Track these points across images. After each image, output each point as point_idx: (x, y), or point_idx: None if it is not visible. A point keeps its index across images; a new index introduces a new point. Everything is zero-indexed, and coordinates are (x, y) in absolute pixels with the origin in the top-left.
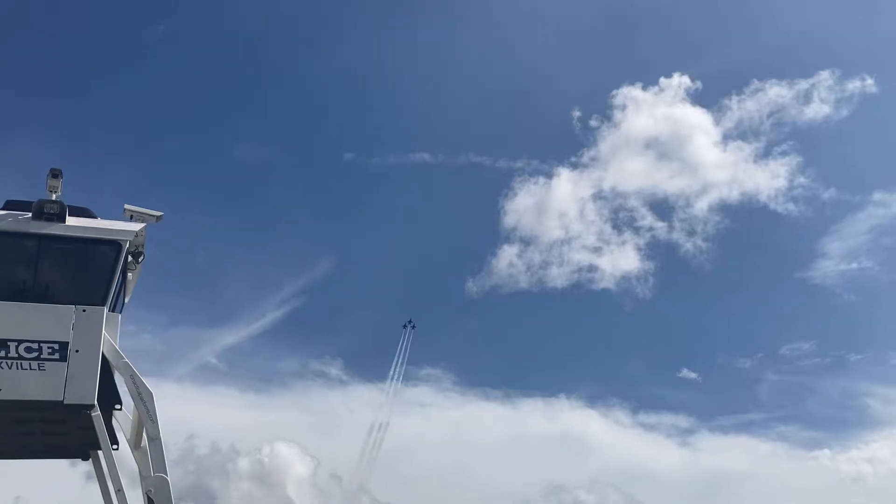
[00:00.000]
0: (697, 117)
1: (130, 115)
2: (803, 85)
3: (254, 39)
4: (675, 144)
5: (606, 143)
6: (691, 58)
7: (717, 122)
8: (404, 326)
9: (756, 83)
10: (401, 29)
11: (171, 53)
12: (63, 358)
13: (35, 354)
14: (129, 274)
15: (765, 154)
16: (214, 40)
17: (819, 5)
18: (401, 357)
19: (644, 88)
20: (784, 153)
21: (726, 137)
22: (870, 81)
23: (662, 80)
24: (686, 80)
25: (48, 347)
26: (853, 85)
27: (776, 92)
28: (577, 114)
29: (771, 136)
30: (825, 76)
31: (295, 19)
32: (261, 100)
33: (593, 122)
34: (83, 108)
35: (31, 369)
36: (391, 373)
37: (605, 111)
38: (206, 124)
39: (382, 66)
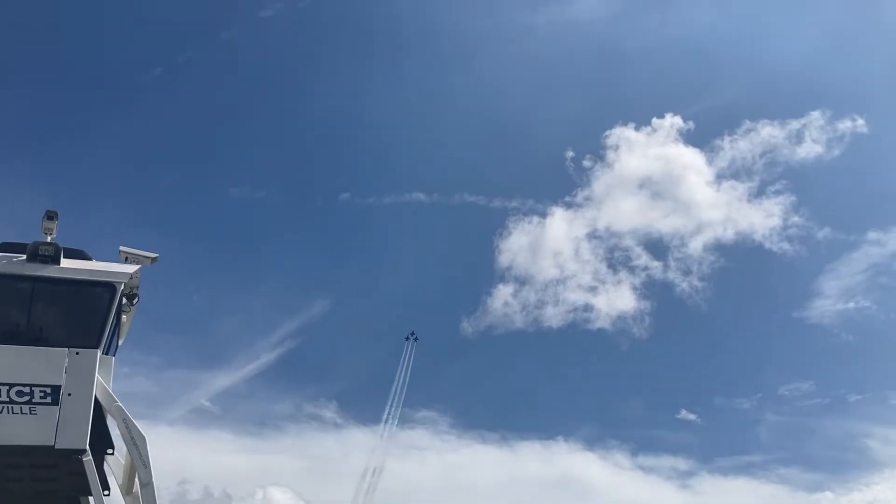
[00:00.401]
0: (690, 157)
1: (126, 157)
2: (795, 125)
3: (249, 82)
4: (669, 184)
5: (600, 182)
6: (683, 99)
7: (709, 161)
8: (406, 339)
9: (748, 123)
10: (393, 70)
11: (168, 95)
12: (55, 402)
13: (26, 398)
14: (124, 316)
15: (758, 193)
16: (210, 83)
17: (808, 47)
18: (401, 378)
19: (637, 129)
20: (777, 192)
21: (719, 177)
22: (860, 122)
23: (655, 120)
24: (678, 120)
25: (40, 391)
26: (844, 125)
27: (768, 132)
28: (570, 154)
29: (764, 176)
30: (816, 116)
31: (288, 63)
32: (255, 141)
33: (587, 163)
34: (79, 150)
35: (21, 413)
36: (385, 416)
37: (599, 151)
38: (202, 165)
39: (377, 107)
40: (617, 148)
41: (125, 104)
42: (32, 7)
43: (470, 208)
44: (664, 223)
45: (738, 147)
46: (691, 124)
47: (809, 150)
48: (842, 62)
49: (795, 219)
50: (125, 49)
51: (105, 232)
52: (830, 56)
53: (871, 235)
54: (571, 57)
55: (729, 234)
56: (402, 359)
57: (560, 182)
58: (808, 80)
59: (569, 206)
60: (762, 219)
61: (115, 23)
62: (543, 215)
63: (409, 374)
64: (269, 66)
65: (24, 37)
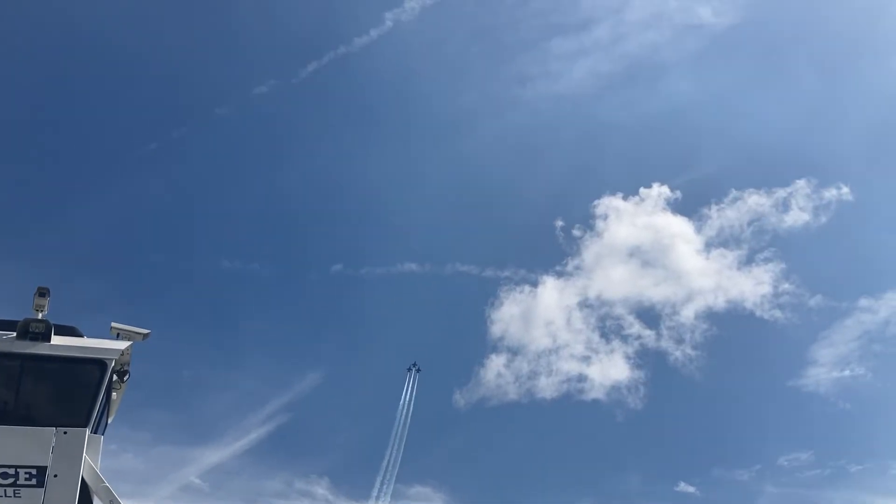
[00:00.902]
0: (679, 225)
1: (118, 230)
2: (781, 193)
3: (241, 156)
4: (659, 252)
5: (590, 251)
6: (669, 169)
7: (698, 230)
8: (409, 370)
9: (734, 192)
10: (386, 143)
11: (161, 169)
12: (40, 483)
13: (11, 480)
14: (114, 394)
15: (748, 261)
16: (203, 157)
17: (790, 117)
18: (401, 419)
19: (625, 198)
20: (767, 260)
21: (708, 245)
22: (845, 190)
23: (642, 189)
24: (665, 189)
25: (25, 473)
26: (829, 193)
27: (755, 200)
28: (560, 223)
29: (752, 244)
30: (802, 185)
31: (281, 137)
32: (248, 213)
33: (576, 232)
34: (72, 224)
35: (5, 496)
36: (376, 491)
37: (588, 221)
38: (194, 238)
39: (369, 179)
40: (606, 217)
41: (118, 178)
42: (27, 80)
43: (462, 278)
44: (655, 291)
45: (725, 216)
46: (678, 193)
47: (797, 217)
48: (824, 132)
49: (786, 286)
50: (120, 124)
51: (97, 307)
52: (812, 126)
53: (863, 302)
54: (559, 129)
55: (720, 302)
56: (403, 390)
57: (550, 251)
58: (792, 149)
59: (559, 275)
60: (753, 286)
61: (112, 98)
62: (535, 284)
63: (412, 408)
64: (262, 141)
65: (19, 109)
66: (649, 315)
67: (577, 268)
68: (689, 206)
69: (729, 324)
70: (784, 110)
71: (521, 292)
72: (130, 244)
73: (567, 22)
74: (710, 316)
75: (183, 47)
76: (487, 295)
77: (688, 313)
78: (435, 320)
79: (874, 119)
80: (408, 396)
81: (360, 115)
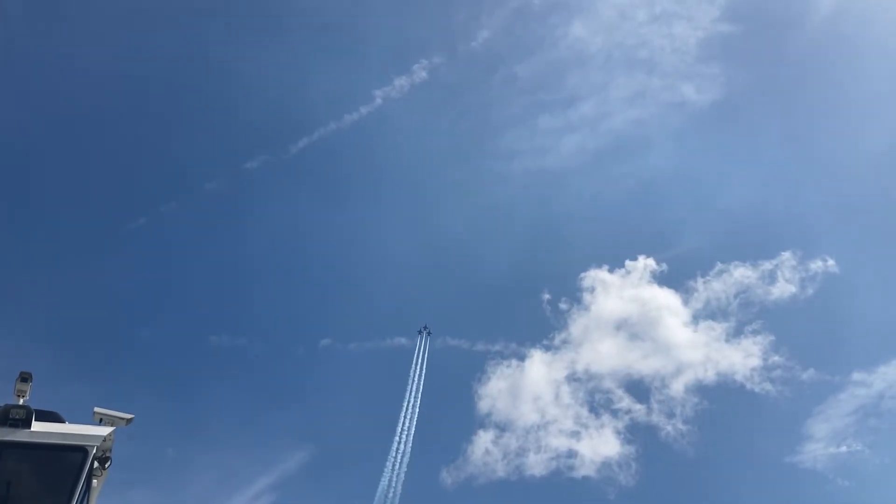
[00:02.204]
0: (666, 298)
1: (104, 308)
2: (767, 265)
3: (230, 231)
4: (646, 325)
5: (577, 325)
6: (655, 242)
7: (685, 302)
8: (419, 332)
9: (720, 265)
10: (375, 217)
11: (148, 245)
12: None
13: None
14: (95, 480)
15: (736, 333)
16: (192, 232)
17: (775, 189)
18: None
19: (611, 271)
20: (755, 332)
21: (696, 317)
22: (831, 262)
23: (628, 262)
24: (651, 262)
25: None
26: (815, 265)
27: (741, 273)
28: (546, 296)
29: (740, 316)
30: (787, 257)
31: (270, 211)
32: (235, 288)
33: (563, 305)
34: (55, 303)
35: None
36: None
37: (575, 294)
38: (181, 314)
39: (359, 254)
40: (592, 290)
41: (105, 253)
42: (15, 151)
43: (452, 352)
44: (644, 364)
45: (712, 288)
46: (664, 266)
47: (783, 289)
48: (807, 204)
49: (776, 358)
50: (108, 198)
51: (82, 385)
52: (796, 198)
53: (856, 376)
54: (546, 203)
55: (710, 375)
56: (415, 354)
57: (537, 325)
58: (777, 221)
59: (547, 348)
60: (742, 359)
61: (100, 172)
62: (522, 359)
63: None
64: (251, 216)
65: (4, 179)
66: (639, 388)
67: (565, 341)
68: (675, 278)
69: (720, 397)
70: (767, 183)
71: (508, 366)
72: (117, 320)
73: (553, 99)
74: (701, 389)
75: (174, 122)
76: (475, 370)
77: (678, 387)
78: (423, 395)
79: (857, 192)
80: (419, 362)
81: (349, 190)
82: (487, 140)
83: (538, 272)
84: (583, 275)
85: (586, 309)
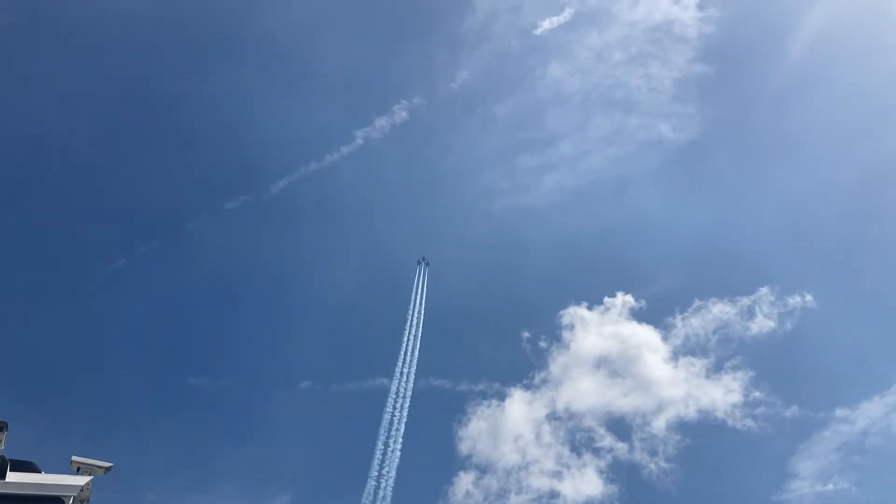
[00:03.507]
0: (645, 335)
1: (81, 352)
2: (745, 301)
3: (210, 271)
4: (626, 362)
5: (557, 363)
6: (633, 279)
7: (664, 339)
8: (418, 263)
9: (698, 301)
10: (358, 256)
11: (128, 286)
12: None
13: None
14: None
15: (716, 369)
16: (173, 272)
17: (752, 227)
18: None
19: (590, 308)
20: (735, 368)
21: (675, 354)
22: (809, 297)
23: (607, 299)
24: (630, 298)
25: None
26: (794, 300)
27: (719, 309)
28: (526, 335)
29: (719, 352)
30: (765, 292)
31: (250, 252)
32: (216, 329)
33: (543, 343)
34: (30, 349)
35: None
36: None
37: (554, 331)
38: (160, 355)
39: (339, 295)
40: (572, 327)
41: (83, 296)
42: None
43: (435, 392)
44: (625, 402)
45: (690, 324)
46: (643, 303)
47: (762, 325)
48: (784, 241)
49: (757, 394)
50: (88, 239)
51: (59, 431)
52: (773, 235)
53: (839, 412)
54: (526, 241)
55: (691, 412)
56: (415, 283)
57: (517, 364)
58: (754, 258)
59: (527, 387)
60: (723, 395)
61: (79, 213)
62: (502, 398)
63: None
64: (232, 255)
65: None
66: (620, 426)
67: (545, 380)
68: (653, 315)
69: (702, 434)
70: (743, 219)
71: (488, 406)
72: (95, 363)
73: (533, 138)
74: (682, 426)
75: (155, 162)
76: (455, 410)
77: (659, 424)
78: (405, 437)
79: (832, 227)
80: (419, 291)
81: (329, 228)
82: (468, 179)
83: (518, 310)
84: (562, 312)
85: (566, 347)
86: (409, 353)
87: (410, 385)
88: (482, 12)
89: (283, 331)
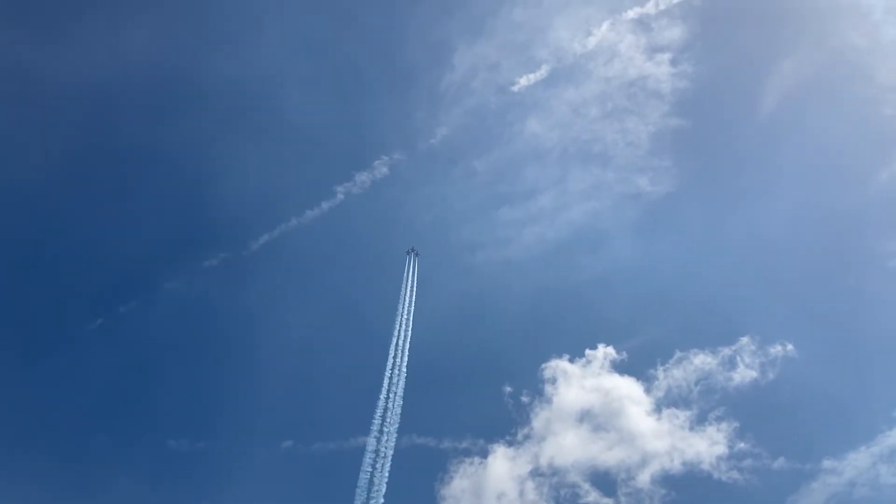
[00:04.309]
0: (627, 387)
1: (56, 416)
2: (726, 351)
3: (189, 330)
4: (609, 415)
5: (540, 418)
6: (613, 330)
7: (647, 390)
8: (407, 253)
9: (679, 353)
10: (340, 313)
11: (106, 347)
12: None
13: None
14: None
15: (699, 421)
16: (151, 332)
17: (730, 277)
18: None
19: (571, 360)
20: (719, 419)
21: (658, 405)
22: (790, 346)
23: (588, 351)
24: (611, 350)
25: None
26: (775, 350)
27: (700, 359)
28: (508, 389)
29: (702, 403)
30: (746, 342)
31: (230, 310)
32: (194, 390)
33: (525, 398)
34: (9, 407)
35: None
36: None
37: (536, 385)
38: (138, 418)
39: (320, 352)
40: (554, 381)
41: (60, 356)
42: None
43: (418, 450)
44: (609, 455)
45: (672, 375)
46: (624, 354)
47: (744, 375)
48: (762, 291)
49: (742, 445)
50: (64, 299)
51: (36, 499)
52: (752, 285)
53: (826, 464)
54: (507, 294)
55: (676, 465)
56: (405, 273)
57: (499, 419)
58: (733, 308)
59: (510, 444)
60: (707, 447)
61: (56, 273)
62: (485, 455)
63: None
64: (210, 314)
65: None
66: (605, 481)
67: (527, 436)
68: (635, 366)
69: (688, 487)
70: (722, 270)
71: (471, 464)
72: (73, 426)
73: (513, 192)
74: (668, 479)
75: (133, 220)
76: (437, 469)
77: (644, 477)
78: (388, 497)
79: (811, 277)
80: (409, 282)
81: (310, 285)
82: (450, 232)
83: (500, 364)
84: (544, 365)
85: (548, 401)
86: (390, 410)
87: (392, 443)
88: (461, 69)
89: (264, 390)
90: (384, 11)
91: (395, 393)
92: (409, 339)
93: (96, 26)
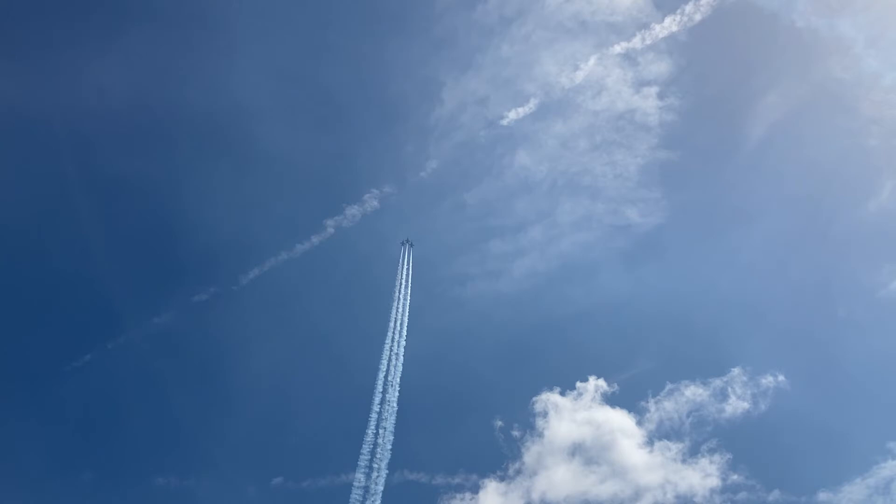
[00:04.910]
0: (619, 419)
1: (42, 453)
2: (717, 383)
3: (178, 366)
4: (600, 448)
5: (531, 452)
6: (604, 363)
7: (638, 423)
8: (402, 244)
9: (669, 384)
10: (329, 347)
11: (93, 383)
12: None
13: None
14: None
15: (692, 453)
16: (139, 368)
17: (720, 309)
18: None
19: (562, 393)
20: (712, 451)
21: (651, 438)
22: (781, 377)
23: (579, 384)
24: (602, 382)
25: None
26: (766, 380)
27: (692, 391)
28: (499, 423)
29: (694, 435)
30: (737, 373)
31: (220, 345)
32: (182, 426)
33: (515, 433)
34: None
35: None
36: None
37: (527, 419)
38: (124, 454)
39: (308, 386)
40: (545, 414)
41: (46, 394)
42: None
43: (410, 486)
44: (601, 489)
45: (664, 407)
46: (615, 387)
47: (736, 406)
48: (751, 321)
49: (735, 477)
50: (52, 335)
51: None
52: (741, 316)
53: (822, 496)
54: (498, 327)
55: (669, 499)
56: (399, 263)
57: (490, 454)
58: (724, 339)
59: (501, 478)
60: (701, 479)
61: (44, 308)
62: (476, 490)
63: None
64: (199, 349)
65: None
66: None
67: (519, 471)
68: (626, 399)
69: None
70: (711, 302)
71: (461, 500)
72: (59, 464)
73: (503, 224)
74: None
75: (119, 254)
76: None
77: None
78: None
79: (802, 308)
80: (404, 273)
81: (298, 320)
82: (440, 265)
83: (490, 398)
84: (535, 398)
85: (540, 435)
86: (380, 446)
87: (383, 479)
88: (450, 104)
89: (255, 425)
90: (373, 47)
91: (385, 428)
92: (399, 373)
93: (69, 58)
